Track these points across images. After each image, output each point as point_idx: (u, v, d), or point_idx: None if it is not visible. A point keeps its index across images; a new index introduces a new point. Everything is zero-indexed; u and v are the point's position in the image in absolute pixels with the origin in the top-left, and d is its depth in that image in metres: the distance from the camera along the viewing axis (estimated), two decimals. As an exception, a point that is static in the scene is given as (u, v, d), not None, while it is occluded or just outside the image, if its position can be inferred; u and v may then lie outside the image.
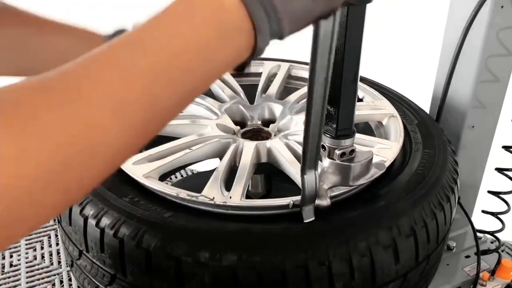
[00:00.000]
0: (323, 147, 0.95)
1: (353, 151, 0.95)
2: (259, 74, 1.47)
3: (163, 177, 1.11)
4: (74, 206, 0.93)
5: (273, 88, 1.40)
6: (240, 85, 1.41)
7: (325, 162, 0.95)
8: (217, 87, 1.38)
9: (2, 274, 1.61)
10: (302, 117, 1.25)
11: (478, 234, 1.45)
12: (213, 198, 0.94)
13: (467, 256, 1.45)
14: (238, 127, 1.26)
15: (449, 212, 1.03)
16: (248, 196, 1.46)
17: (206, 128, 1.19)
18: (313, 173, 0.88)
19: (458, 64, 1.31)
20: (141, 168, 1.01)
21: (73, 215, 0.95)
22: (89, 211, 0.93)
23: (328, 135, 0.93)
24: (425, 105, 1.43)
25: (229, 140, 1.15)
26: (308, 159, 0.87)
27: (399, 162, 1.12)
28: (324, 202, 0.93)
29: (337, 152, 0.93)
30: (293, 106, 1.31)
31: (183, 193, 0.95)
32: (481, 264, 1.36)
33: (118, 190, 0.97)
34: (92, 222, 0.92)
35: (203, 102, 1.30)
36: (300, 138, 1.15)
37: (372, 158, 0.97)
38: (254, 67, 1.50)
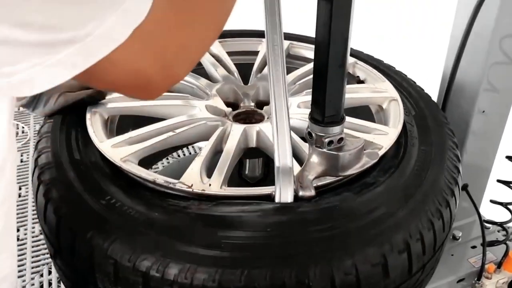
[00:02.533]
0: (310, 134, 0.89)
1: (342, 139, 0.88)
2: (256, 53, 1.40)
3: (147, 163, 1.07)
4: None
5: None
6: (235, 64, 1.34)
7: (312, 151, 0.89)
8: (210, 65, 1.32)
9: None
10: (298, 99, 1.19)
11: (486, 224, 1.39)
12: (191, 185, 0.89)
13: (473, 247, 1.39)
14: (230, 109, 1.19)
15: (448, 217, 0.95)
16: (244, 179, 1.41)
17: (194, 109, 1.13)
18: (288, 167, 0.83)
19: (469, 44, 1.22)
20: (119, 151, 0.96)
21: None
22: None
23: (314, 122, 0.87)
24: (434, 88, 1.36)
25: (217, 123, 1.09)
26: (280, 153, 0.82)
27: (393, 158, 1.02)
28: (308, 193, 0.87)
29: (325, 140, 0.87)
30: (289, 87, 1.24)
31: (160, 179, 0.90)
32: (487, 256, 1.31)
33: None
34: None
35: (195, 82, 1.24)
36: (295, 122, 1.10)
37: (363, 147, 0.90)
38: (252, 45, 1.42)
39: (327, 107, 0.85)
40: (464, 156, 1.36)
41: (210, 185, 0.90)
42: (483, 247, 1.30)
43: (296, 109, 1.15)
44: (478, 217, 1.36)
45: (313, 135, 0.88)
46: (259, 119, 1.19)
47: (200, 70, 1.32)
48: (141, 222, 0.83)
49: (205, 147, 1.00)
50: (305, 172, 0.89)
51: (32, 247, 1.75)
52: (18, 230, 1.68)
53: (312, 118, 0.88)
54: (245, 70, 1.30)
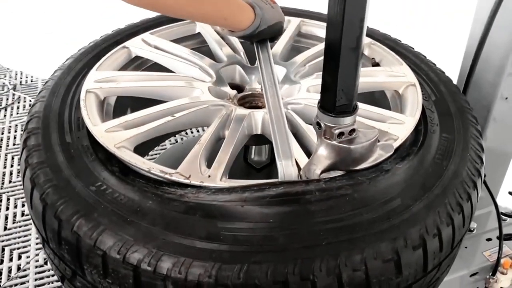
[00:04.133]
0: (319, 125, 0.81)
1: (353, 130, 0.81)
2: None
3: (147, 147, 1.00)
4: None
5: (277, 47, 1.22)
6: (241, 43, 1.25)
7: (320, 143, 0.82)
8: (215, 44, 1.23)
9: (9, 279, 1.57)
10: (307, 82, 1.11)
11: (503, 216, 1.32)
12: (189, 176, 0.82)
13: (489, 239, 1.33)
14: (235, 91, 1.11)
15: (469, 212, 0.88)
16: (249, 164, 1.34)
17: (196, 91, 1.04)
18: (290, 163, 0.76)
19: (493, 28, 1.12)
20: (113, 137, 0.89)
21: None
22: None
23: (323, 111, 0.79)
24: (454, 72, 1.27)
25: (219, 107, 1.01)
26: (280, 149, 0.75)
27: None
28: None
29: (334, 131, 0.79)
30: (299, 69, 1.15)
31: (156, 169, 0.83)
32: (503, 249, 1.24)
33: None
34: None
35: (198, 62, 1.15)
36: (302, 108, 1.02)
37: (376, 139, 0.83)
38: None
39: (338, 95, 0.77)
40: (483, 143, 1.28)
41: (209, 176, 0.83)
42: (500, 240, 1.24)
43: (306, 93, 1.07)
44: (495, 208, 1.29)
45: (322, 125, 0.80)
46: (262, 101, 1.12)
47: (204, 48, 1.24)
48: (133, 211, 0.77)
49: (205, 133, 0.93)
50: (312, 166, 0.82)
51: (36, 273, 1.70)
52: (19, 257, 1.63)
53: (321, 106, 0.80)
54: (252, 50, 1.22)
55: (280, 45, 1.23)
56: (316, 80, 1.09)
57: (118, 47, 1.18)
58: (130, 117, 0.95)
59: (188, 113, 0.97)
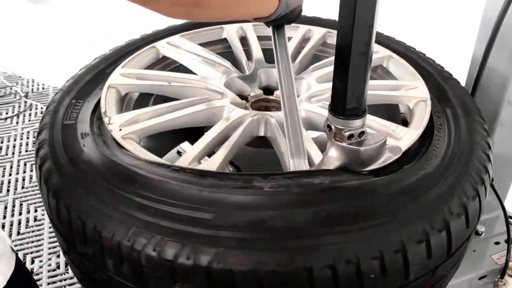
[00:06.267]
0: (329, 127, 0.83)
1: (363, 133, 0.83)
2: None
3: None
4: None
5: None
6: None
7: (330, 144, 0.84)
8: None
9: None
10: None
11: (510, 220, 1.33)
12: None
13: (497, 243, 1.33)
14: (244, 101, 1.15)
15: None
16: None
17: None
18: (302, 161, 0.78)
19: (501, 31, 1.14)
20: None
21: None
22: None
23: (334, 114, 0.81)
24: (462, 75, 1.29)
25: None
26: (293, 148, 0.77)
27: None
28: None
29: (345, 133, 0.82)
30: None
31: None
32: (511, 253, 1.25)
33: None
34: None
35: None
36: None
37: (385, 141, 0.85)
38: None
39: (348, 98, 0.79)
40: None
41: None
42: (508, 243, 1.25)
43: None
44: (503, 212, 1.30)
45: (332, 127, 0.82)
46: (275, 106, 1.15)
47: (227, 53, 1.31)
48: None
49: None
50: (323, 167, 0.84)
51: (49, 227, 1.76)
52: (32, 262, 1.67)
53: (331, 109, 0.82)
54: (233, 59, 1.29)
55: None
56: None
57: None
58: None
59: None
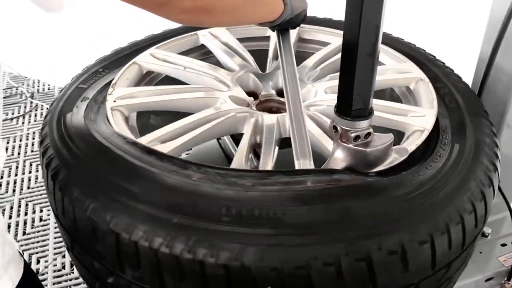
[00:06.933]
0: (335, 128, 0.83)
1: (369, 134, 0.82)
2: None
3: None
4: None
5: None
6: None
7: (336, 146, 0.84)
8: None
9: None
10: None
11: (517, 222, 1.32)
12: None
13: (503, 245, 1.33)
14: (252, 98, 1.14)
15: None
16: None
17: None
18: (307, 162, 0.78)
19: (508, 31, 1.14)
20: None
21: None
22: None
23: (340, 115, 0.81)
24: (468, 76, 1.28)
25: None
26: (299, 150, 0.77)
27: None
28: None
29: (351, 135, 0.81)
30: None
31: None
32: (518, 255, 1.24)
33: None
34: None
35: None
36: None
37: (391, 143, 0.84)
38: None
39: (354, 99, 0.79)
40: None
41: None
42: (515, 245, 1.24)
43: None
44: (510, 213, 1.29)
45: (339, 128, 0.82)
46: (282, 107, 1.14)
47: (209, 60, 1.28)
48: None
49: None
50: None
51: (55, 228, 1.76)
52: (38, 262, 1.67)
53: (337, 110, 0.82)
54: (260, 57, 1.27)
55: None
56: (331, 82, 1.14)
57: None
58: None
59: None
